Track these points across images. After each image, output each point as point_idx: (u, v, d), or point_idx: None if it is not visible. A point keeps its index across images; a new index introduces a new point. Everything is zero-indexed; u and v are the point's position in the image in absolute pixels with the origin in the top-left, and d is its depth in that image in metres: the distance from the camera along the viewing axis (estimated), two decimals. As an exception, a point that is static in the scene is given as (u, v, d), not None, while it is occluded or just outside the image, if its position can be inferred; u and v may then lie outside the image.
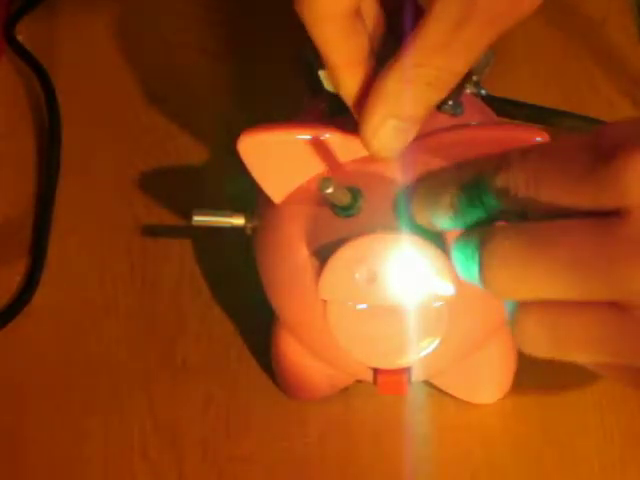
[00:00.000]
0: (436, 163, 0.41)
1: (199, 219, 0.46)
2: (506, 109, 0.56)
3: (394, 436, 0.49)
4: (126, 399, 0.51)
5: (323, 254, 0.40)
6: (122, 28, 0.66)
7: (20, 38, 0.65)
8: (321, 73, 0.43)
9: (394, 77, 0.36)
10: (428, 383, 0.49)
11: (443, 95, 0.37)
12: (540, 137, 0.41)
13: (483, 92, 0.53)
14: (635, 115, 0.60)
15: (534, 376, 0.50)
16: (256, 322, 0.48)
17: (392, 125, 0.37)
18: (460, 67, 0.36)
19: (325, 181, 0.38)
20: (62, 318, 0.54)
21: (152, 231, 0.57)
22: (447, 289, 0.39)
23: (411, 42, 0.35)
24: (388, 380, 0.43)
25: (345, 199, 0.40)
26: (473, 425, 0.49)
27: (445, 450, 0.48)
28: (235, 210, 0.46)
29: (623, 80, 0.62)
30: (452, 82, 0.37)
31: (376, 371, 0.43)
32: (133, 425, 0.50)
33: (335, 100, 0.44)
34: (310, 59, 0.44)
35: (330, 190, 0.38)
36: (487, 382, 0.49)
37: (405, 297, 0.39)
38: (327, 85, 0.43)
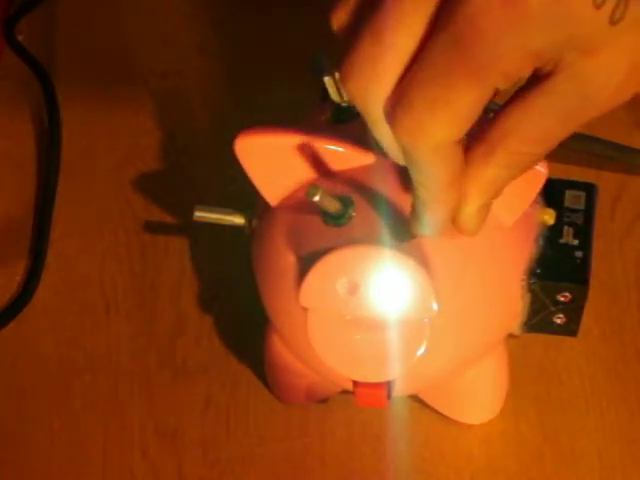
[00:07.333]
0: None
1: (200, 215, 0.46)
2: None
3: (394, 436, 0.49)
4: (126, 399, 0.51)
5: (308, 261, 0.39)
6: (122, 28, 0.66)
7: (20, 38, 0.65)
8: (327, 80, 0.43)
9: (494, 164, 0.35)
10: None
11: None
12: (541, 168, 0.41)
13: None
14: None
15: (534, 376, 0.50)
16: (256, 322, 0.47)
17: (486, 207, 0.37)
18: (543, 152, 0.36)
19: (312, 188, 0.37)
20: (62, 318, 0.54)
21: (152, 231, 0.57)
22: (429, 305, 0.38)
23: (512, 131, 0.35)
24: (367, 393, 0.42)
25: (334, 208, 0.39)
26: (473, 425, 0.49)
27: (445, 450, 0.49)
28: (236, 210, 0.46)
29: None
30: (530, 165, 0.36)
31: (355, 383, 0.42)
32: (133, 425, 0.50)
33: (339, 108, 0.44)
34: (320, 66, 0.44)
35: (317, 198, 0.37)
36: (477, 403, 0.48)
37: (386, 311, 0.39)
38: (332, 93, 0.43)
